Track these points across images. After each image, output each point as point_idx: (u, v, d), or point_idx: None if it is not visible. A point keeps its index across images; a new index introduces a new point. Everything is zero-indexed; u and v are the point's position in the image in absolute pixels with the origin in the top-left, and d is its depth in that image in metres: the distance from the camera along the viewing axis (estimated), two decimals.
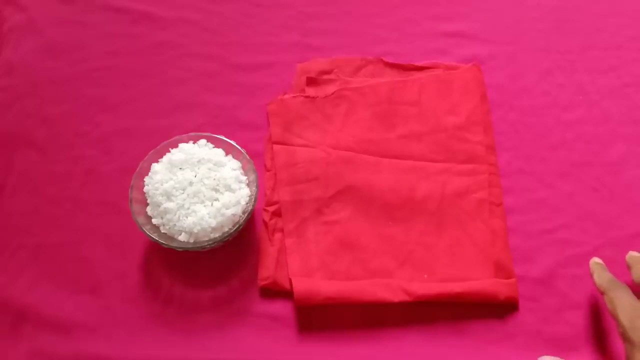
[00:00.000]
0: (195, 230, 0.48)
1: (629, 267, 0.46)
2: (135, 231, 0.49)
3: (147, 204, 0.50)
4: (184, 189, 0.49)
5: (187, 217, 0.48)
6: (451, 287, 0.48)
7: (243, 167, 0.52)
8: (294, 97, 0.59)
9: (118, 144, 0.58)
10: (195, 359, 0.47)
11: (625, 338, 0.41)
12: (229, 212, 0.48)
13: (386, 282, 0.49)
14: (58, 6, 0.67)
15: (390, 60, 0.62)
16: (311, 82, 0.60)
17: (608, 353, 0.47)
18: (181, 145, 0.52)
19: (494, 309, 0.49)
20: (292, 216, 0.53)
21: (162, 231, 0.49)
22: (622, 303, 0.42)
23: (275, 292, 0.50)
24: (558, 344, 0.47)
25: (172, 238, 0.49)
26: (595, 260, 0.48)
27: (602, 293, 0.44)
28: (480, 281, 0.49)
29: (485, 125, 0.57)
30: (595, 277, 0.46)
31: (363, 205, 0.53)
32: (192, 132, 0.53)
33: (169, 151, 0.51)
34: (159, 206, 0.49)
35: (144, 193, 0.50)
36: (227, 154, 0.52)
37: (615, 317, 0.42)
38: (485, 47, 0.63)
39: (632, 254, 0.46)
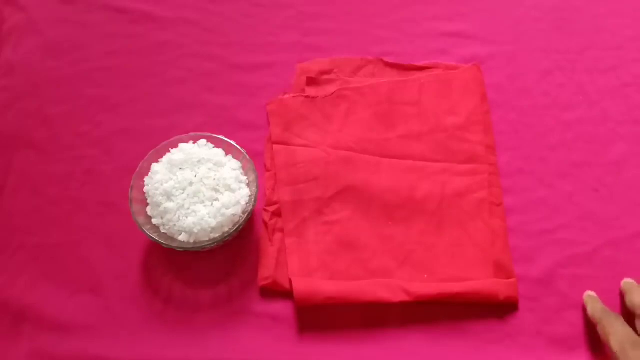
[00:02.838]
0: (195, 230, 0.48)
1: (623, 294, 0.47)
2: (135, 231, 0.49)
3: (147, 204, 0.50)
4: (184, 189, 0.49)
5: (187, 217, 0.48)
6: (451, 287, 0.48)
7: (243, 167, 0.52)
8: (294, 97, 0.59)
9: (118, 144, 0.58)
10: (195, 359, 0.47)
11: None
12: (229, 212, 0.48)
13: (386, 282, 0.49)
14: (58, 6, 0.67)
15: (390, 60, 0.62)
16: (311, 82, 0.60)
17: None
18: (181, 145, 0.52)
19: (494, 309, 0.49)
20: (292, 216, 0.53)
21: (162, 231, 0.49)
22: (614, 330, 0.43)
23: (275, 292, 0.50)
24: (558, 344, 0.47)
25: (172, 238, 0.49)
26: (589, 293, 0.48)
27: (596, 323, 0.45)
28: (480, 281, 0.49)
29: (485, 125, 0.57)
30: (589, 308, 0.47)
31: (363, 205, 0.53)
32: (192, 132, 0.53)
33: (169, 151, 0.51)
34: (159, 206, 0.49)
35: (144, 193, 0.50)
36: (227, 154, 0.52)
37: (607, 344, 0.43)
38: (485, 47, 0.63)
39: (627, 280, 0.48)
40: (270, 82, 0.61)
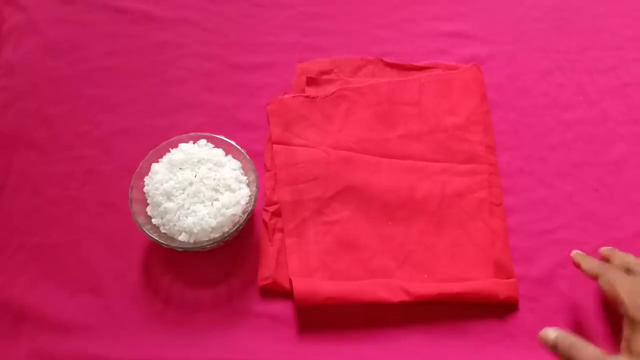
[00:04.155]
0: (195, 230, 0.48)
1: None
2: (135, 231, 0.49)
3: (147, 204, 0.50)
4: (184, 189, 0.49)
5: (187, 217, 0.48)
6: (451, 287, 0.48)
7: (243, 167, 0.52)
8: (294, 97, 0.59)
9: (118, 144, 0.58)
10: (195, 359, 0.47)
11: (628, 317, 0.40)
12: (229, 212, 0.48)
13: (386, 282, 0.49)
14: (58, 6, 0.67)
15: (390, 60, 0.62)
16: (311, 82, 0.60)
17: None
18: (181, 145, 0.52)
19: (494, 309, 0.49)
20: (292, 216, 0.53)
21: (162, 231, 0.49)
22: (620, 281, 0.42)
23: (275, 292, 0.50)
24: None
25: (172, 238, 0.49)
26: (576, 251, 0.48)
27: (596, 277, 0.44)
28: (480, 281, 0.49)
29: (485, 125, 0.57)
30: (583, 265, 0.46)
31: (363, 205, 0.53)
32: (192, 132, 0.53)
33: (169, 151, 0.51)
34: (159, 206, 0.49)
35: (144, 193, 0.50)
36: (227, 154, 0.52)
37: (616, 297, 0.41)
38: (485, 47, 0.63)
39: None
40: (270, 82, 0.61)
